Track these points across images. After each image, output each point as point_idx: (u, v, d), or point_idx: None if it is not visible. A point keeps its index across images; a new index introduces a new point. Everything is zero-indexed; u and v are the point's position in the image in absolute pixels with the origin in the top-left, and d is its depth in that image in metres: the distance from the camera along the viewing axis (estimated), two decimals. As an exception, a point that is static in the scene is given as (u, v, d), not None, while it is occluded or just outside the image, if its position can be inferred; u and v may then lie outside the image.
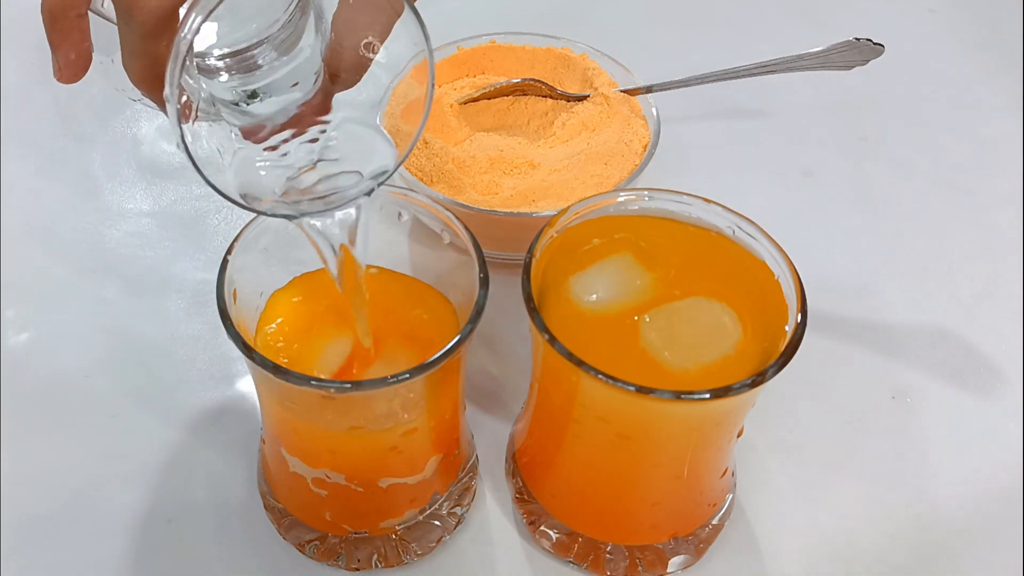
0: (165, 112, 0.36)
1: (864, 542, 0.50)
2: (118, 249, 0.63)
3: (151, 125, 0.71)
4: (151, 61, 0.37)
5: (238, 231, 0.43)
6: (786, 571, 0.49)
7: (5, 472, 0.51)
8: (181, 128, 0.35)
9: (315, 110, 0.40)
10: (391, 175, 0.41)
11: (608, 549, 0.47)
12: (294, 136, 0.40)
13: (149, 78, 0.37)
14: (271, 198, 0.39)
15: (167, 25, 0.36)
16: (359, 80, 0.40)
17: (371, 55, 0.39)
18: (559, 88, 0.67)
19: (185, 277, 0.61)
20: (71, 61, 0.41)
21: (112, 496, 0.50)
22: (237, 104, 0.39)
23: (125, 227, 0.64)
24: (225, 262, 0.42)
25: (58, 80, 0.42)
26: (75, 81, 0.42)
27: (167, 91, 0.34)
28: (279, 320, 0.45)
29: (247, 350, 0.39)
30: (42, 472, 0.51)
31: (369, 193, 0.40)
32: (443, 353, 0.39)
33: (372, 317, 0.43)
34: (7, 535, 0.49)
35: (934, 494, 0.52)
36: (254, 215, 0.44)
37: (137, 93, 0.39)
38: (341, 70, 0.40)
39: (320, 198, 0.40)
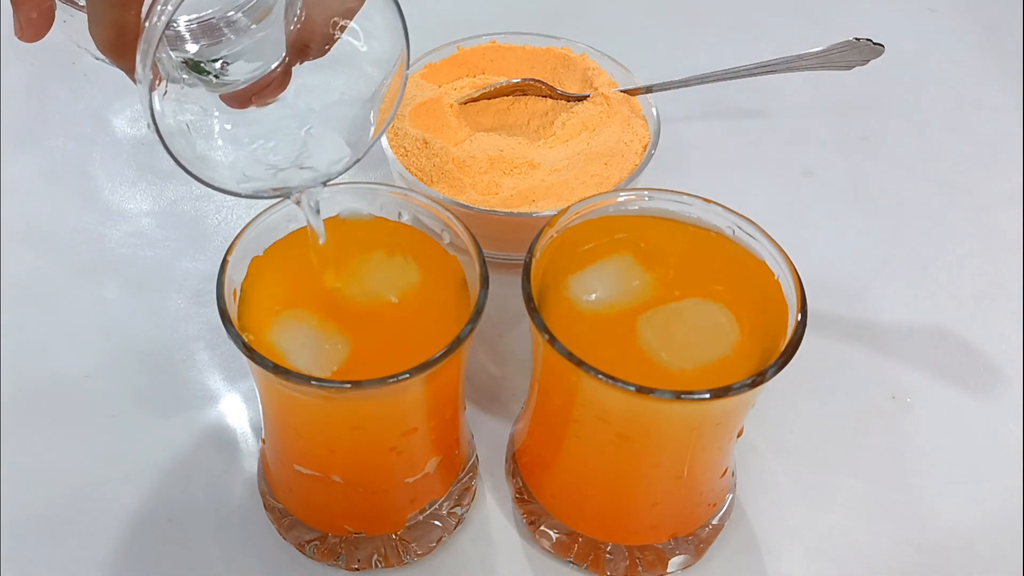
0: (132, 79, 0.36)
1: (864, 542, 0.50)
2: (118, 249, 0.63)
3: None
4: (119, 31, 0.36)
5: (238, 231, 0.43)
6: (786, 571, 0.49)
7: (5, 472, 0.51)
8: (152, 107, 0.35)
9: (277, 82, 0.41)
10: (345, 171, 0.42)
11: (608, 549, 0.47)
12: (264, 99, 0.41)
13: (117, 47, 0.37)
14: (236, 180, 0.40)
15: None
16: (324, 54, 0.40)
17: (339, 33, 0.40)
18: (559, 88, 0.67)
19: (185, 277, 0.61)
20: (33, 20, 0.41)
21: (112, 496, 0.50)
22: (203, 72, 0.40)
23: (125, 227, 0.64)
24: (225, 262, 0.42)
25: (19, 39, 0.41)
26: (37, 39, 0.41)
27: (139, 72, 0.35)
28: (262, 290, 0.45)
29: (247, 350, 0.39)
30: (42, 472, 0.51)
31: (324, 183, 0.42)
32: (443, 352, 0.39)
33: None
34: (7, 535, 0.49)
35: (934, 494, 0.52)
36: (254, 216, 0.44)
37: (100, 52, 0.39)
38: (311, 43, 0.40)
39: (279, 188, 0.41)
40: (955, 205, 0.68)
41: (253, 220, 0.44)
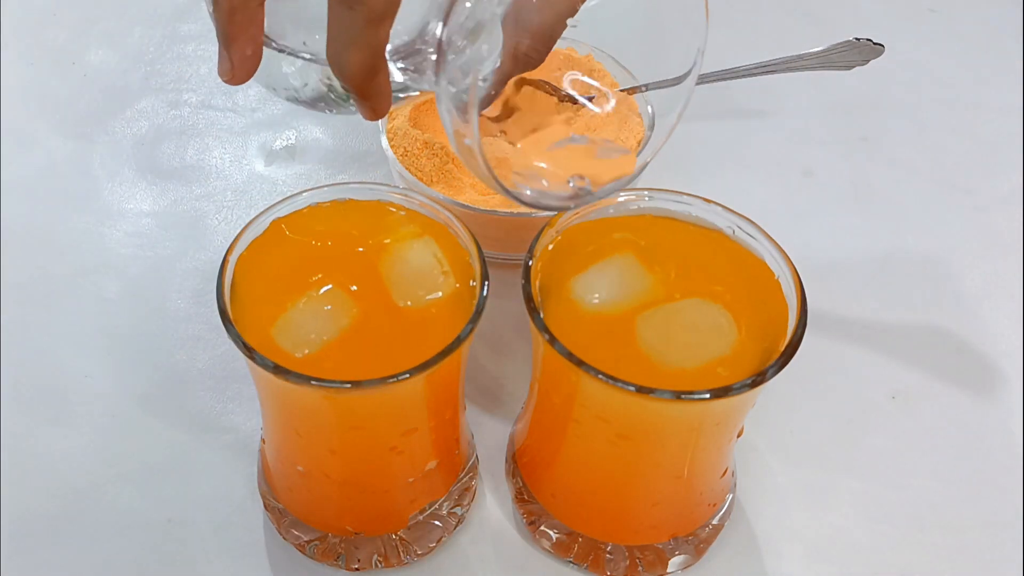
0: (367, 117, 0.35)
1: (864, 542, 0.50)
2: (118, 249, 0.63)
3: (151, 124, 0.71)
4: (373, 52, 0.33)
5: (238, 231, 0.43)
6: (786, 571, 0.49)
7: (5, 472, 0.51)
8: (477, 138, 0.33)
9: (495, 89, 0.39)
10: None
11: (608, 549, 0.47)
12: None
13: (364, 72, 0.34)
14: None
15: (394, 8, 0.33)
16: (543, 60, 0.39)
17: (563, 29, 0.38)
18: (560, 88, 0.67)
19: (185, 277, 0.61)
20: (246, 57, 0.37)
21: (112, 496, 0.50)
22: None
23: (125, 227, 0.64)
24: (225, 262, 0.42)
25: (227, 81, 0.37)
26: (246, 80, 0.37)
27: (471, 119, 0.33)
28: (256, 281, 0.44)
29: (248, 350, 0.39)
30: (42, 472, 0.51)
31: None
32: (443, 352, 0.39)
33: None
34: (7, 535, 0.49)
35: (934, 494, 0.52)
36: (254, 216, 0.44)
37: (292, 90, 0.36)
38: (533, 52, 0.40)
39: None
40: (955, 205, 0.68)
41: (253, 220, 0.44)
